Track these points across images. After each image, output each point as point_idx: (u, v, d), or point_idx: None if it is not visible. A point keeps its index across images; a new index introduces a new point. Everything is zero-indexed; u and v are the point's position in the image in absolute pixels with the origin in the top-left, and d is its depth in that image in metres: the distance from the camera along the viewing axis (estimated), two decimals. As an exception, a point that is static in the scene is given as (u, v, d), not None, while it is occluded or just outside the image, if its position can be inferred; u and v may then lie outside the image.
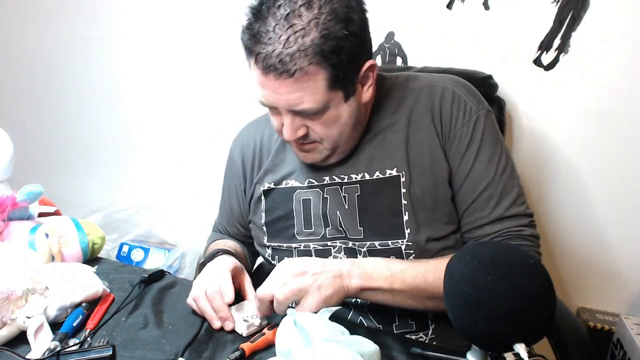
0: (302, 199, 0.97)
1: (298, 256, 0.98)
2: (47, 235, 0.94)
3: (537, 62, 1.33)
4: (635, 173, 1.34)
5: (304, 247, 0.97)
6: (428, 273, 0.85)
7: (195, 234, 1.80)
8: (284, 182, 1.00)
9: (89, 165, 1.97)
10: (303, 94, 0.80)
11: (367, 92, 0.89)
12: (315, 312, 0.78)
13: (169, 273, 1.01)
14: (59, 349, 0.73)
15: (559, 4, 1.27)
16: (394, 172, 0.92)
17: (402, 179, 0.91)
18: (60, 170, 1.98)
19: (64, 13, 1.77)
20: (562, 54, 1.30)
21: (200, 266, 0.97)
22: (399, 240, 0.91)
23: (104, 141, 1.91)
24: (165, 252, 1.77)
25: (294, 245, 0.98)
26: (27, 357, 0.72)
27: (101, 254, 1.07)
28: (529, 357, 0.57)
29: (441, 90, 0.93)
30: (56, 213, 1.09)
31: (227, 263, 0.92)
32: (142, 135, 1.85)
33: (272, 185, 1.01)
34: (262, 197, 1.02)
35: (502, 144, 0.94)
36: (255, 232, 1.06)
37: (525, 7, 1.29)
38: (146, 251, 1.79)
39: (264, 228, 1.02)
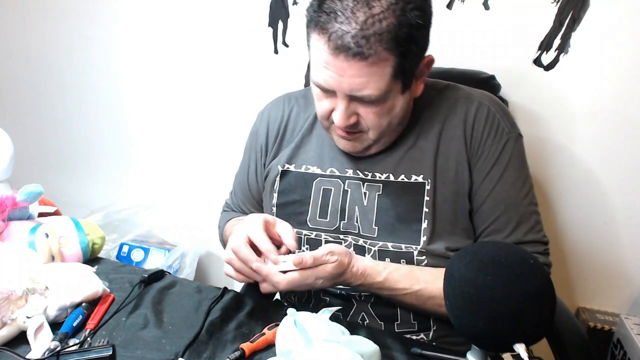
0: (323, 188, 0.97)
1: (307, 244, 0.97)
2: (47, 235, 0.94)
3: (537, 62, 1.33)
4: (636, 173, 1.34)
5: (315, 235, 0.97)
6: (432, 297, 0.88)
7: (195, 233, 1.80)
8: (304, 166, 0.99)
9: (89, 165, 1.97)
10: (368, 79, 0.80)
11: (419, 87, 0.89)
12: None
13: (169, 273, 1.01)
14: (59, 349, 0.73)
15: (559, 4, 1.27)
16: (420, 179, 0.92)
17: (427, 187, 0.91)
18: (60, 170, 1.98)
19: (64, 13, 1.77)
20: (562, 54, 1.30)
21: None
22: (412, 246, 0.91)
23: (104, 141, 1.91)
24: (165, 252, 1.77)
25: (304, 231, 0.97)
26: (27, 357, 0.72)
27: (101, 254, 1.07)
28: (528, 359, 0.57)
29: (477, 105, 0.93)
30: (56, 213, 1.09)
31: (256, 216, 0.87)
32: (142, 135, 1.84)
33: (291, 168, 1.00)
34: (278, 177, 1.01)
35: (528, 171, 0.94)
36: (265, 210, 1.05)
37: (525, 7, 1.29)
38: (146, 251, 1.79)
39: (274, 209, 1.01)
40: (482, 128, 0.92)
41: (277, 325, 0.76)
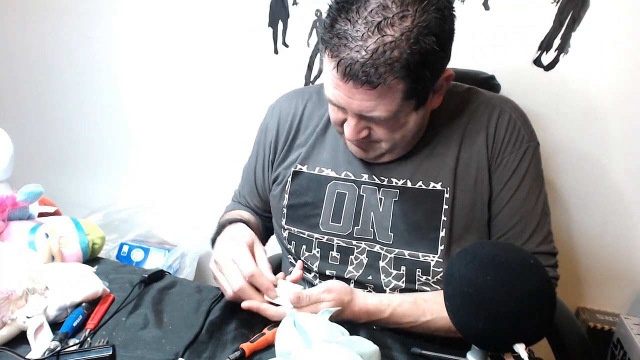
0: (337, 192, 0.95)
1: (318, 247, 0.97)
2: (47, 235, 0.94)
3: (537, 62, 1.33)
4: (635, 173, 1.34)
5: (326, 240, 0.96)
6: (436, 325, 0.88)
7: (195, 233, 1.80)
8: (317, 168, 0.98)
9: (89, 165, 1.97)
10: (378, 103, 0.78)
11: (436, 100, 0.88)
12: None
13: (169, 273, 1.01)
14: (59, 349, 0.73)
15: (559, 4, 1.27)
16: (439, 187, 0.90)
17: (446, 195, 0.90)
18: (60, 170, 1.98)
19: (64, 13, 1.77)
20: (562, 54, 1.30)
21: (212, 242, 0.99)
22: (430, 255, 0.90)
23: (104, 141, 1.91)
24: (165, 252, 1.77)
25: (316, 235, 0.96)
26: (27, 357, 0.72)
27: (101, 254, 1.07)
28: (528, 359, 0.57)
29: (499, 111, 0.92)
30: (56, 213, 1.09)
31: (242, 238, 0.90)
32: (142, 135, 1.85)
33: (304, 169, 0.99)
34: (290, 178, 1.00)
35: (543, 181, 0.94)
36: (273, 210, 1.05)
37: (525, 7, 1.29)
38: (146, 251, 1.79)
39: (284, 210, 1.00)
40: (503, 135, 0.90)
41: (277, 325, 0.76)
